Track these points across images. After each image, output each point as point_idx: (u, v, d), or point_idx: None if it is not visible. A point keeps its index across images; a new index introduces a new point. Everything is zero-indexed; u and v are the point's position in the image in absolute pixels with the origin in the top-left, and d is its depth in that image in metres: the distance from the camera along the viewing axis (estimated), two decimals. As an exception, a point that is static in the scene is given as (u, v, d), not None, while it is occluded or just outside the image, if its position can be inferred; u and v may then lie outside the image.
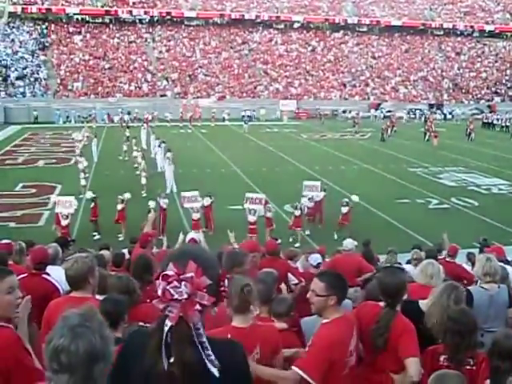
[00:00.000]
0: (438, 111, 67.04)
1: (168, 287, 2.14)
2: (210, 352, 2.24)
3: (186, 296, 2.14)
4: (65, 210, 18.90)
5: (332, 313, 4.11)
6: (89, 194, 21.39)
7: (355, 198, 21.46)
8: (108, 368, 2.23)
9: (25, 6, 71.68)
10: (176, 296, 2.13)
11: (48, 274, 5.35)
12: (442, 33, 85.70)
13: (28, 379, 3.44)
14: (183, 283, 2.15)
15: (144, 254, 7.13)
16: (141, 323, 4.48)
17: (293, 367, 3.96)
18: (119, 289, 5.13)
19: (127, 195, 20.66)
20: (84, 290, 4.66)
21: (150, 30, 76.48)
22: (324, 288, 4.07)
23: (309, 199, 21.13)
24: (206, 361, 2.22)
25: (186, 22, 79.24)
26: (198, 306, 2.17)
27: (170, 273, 2.17)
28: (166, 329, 2.18)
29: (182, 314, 2.16)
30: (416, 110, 66.75)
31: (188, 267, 2.17)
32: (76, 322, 2.16)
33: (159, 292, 2.15)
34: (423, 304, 4.97)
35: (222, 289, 2.33)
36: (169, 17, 78.17)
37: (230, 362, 2.34)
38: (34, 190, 26.38)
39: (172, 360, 2.20)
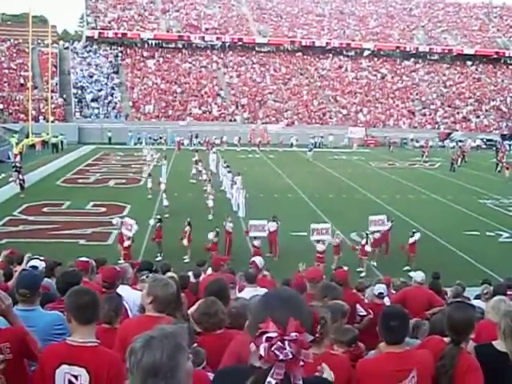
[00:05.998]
0: (511, 142, 65.12)
1: (272, 349, 2.06)
2: None
3: (291, 356, 2.06)
4: (125, 231, 19.21)
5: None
6: (151, 221, 21.83)
7: (417, 235, 20.43)
8: None
9: (101, 31, 74.31)
10: (281, 357, 2.05)
11: (118, 294, 5.47)
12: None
13: None
14: (287, 344, 2.07)
15: (220, 279, 6.92)
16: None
17: None
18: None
19: (187, 228, 20.29)
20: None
21: (222, 56, 77.79)
22: None
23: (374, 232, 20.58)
24: None
25: (256, 49, 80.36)
26: (301, 363, 2.10)
27: (272, 334, 2.08)
28: None
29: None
30: (487, 140, 65.16)
31: (290, 325, 2.10)
32: (156, 334, 2.23)
33: (262, 352, 2.06)
34: (498, 344, 4.54)
35: (317, 335, 2.24)
36: (240, 43, 79.46)
37: None
38: (103, 209, 26.96)
39: None
